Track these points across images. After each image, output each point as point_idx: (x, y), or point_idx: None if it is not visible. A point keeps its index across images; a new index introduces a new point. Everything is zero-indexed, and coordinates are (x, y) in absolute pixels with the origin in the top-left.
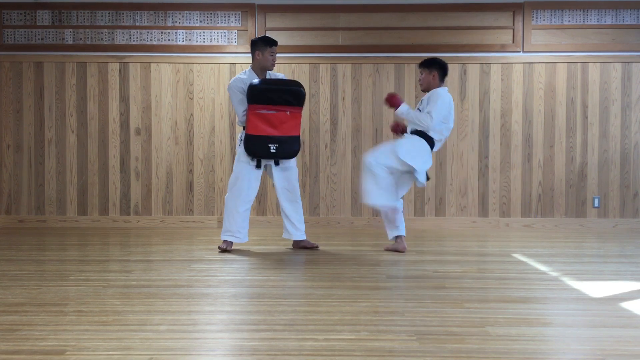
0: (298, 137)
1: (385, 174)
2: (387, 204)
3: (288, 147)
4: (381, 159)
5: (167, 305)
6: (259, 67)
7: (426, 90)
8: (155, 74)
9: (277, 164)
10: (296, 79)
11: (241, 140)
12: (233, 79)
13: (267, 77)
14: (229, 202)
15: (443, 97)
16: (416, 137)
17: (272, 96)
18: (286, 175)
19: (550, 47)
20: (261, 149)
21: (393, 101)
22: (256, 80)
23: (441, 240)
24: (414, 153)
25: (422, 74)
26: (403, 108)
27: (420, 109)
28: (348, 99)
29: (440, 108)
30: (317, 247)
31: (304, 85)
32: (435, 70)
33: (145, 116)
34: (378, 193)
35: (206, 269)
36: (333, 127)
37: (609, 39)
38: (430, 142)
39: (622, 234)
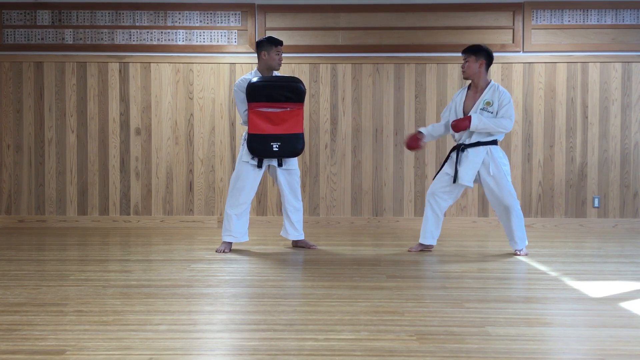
0: (301, 135)
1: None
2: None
3: (291, 145)
4: (512, 192)
5: (167, 305)
6: (265, 67)
7: (469, 78)
8: (155, 74)
9: (280, 164)
10: None
11: (244, 140)
12: (239, 79)
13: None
14: (229, 201)
15: (509, 96)
16: (500, 152)
17: (272, 93)
18: (289, 177)
19: (550, 47)
20: (264, 147)
21: (466, 124)
22: (255, 79)
23: (441, 240)
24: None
25: (466, 61)
26: (476, 119)
27: (483, 109)
28: (348, 99)
29: (512, 107)
30: (315, 247)
31: (303, 83)
32: (483, 58)
33: (145, 116)
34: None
35: (206, 269)
36: (333, 127)
37: (609, 39)
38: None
39: (622, 234)
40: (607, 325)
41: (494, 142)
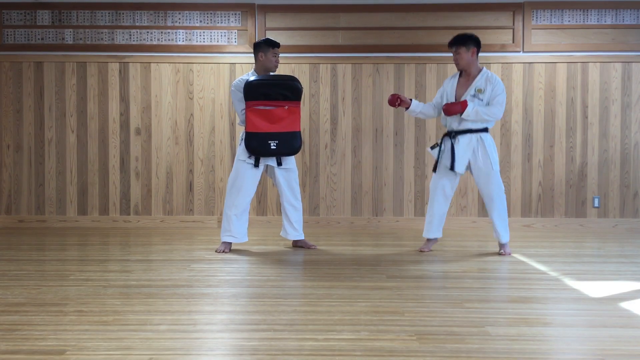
0: (298, 133)
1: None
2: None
3: (289, 144)
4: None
5: (167, 305)
6: (262, 69)
7: (464, 68)
8: (155, 74)
9: (279, 164)
10: None
11: (242, 139)
12: (236, 79)
13: None
14: (227, 201)
15: (502, 84)
16: (490, 140)
17: (268, 92)
18: (287, 176)
19: (550, 47)
20: (261, 146)
21: (458, 108)
22: (252, 78)
23: (441, 240)
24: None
25: (457, 53)
26: (470, 108)
27: (474, 96)
28: (348, 99)
29: (504, 95)
30: (314, 247)
31: (299, 81)
32: (473, 46)
33: (145, 116)
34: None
35: (206, 269)
36: (333, 127)
37: (609, 39)
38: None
39: (622, 234)
40: (607, 325)
41: (485, 130)
